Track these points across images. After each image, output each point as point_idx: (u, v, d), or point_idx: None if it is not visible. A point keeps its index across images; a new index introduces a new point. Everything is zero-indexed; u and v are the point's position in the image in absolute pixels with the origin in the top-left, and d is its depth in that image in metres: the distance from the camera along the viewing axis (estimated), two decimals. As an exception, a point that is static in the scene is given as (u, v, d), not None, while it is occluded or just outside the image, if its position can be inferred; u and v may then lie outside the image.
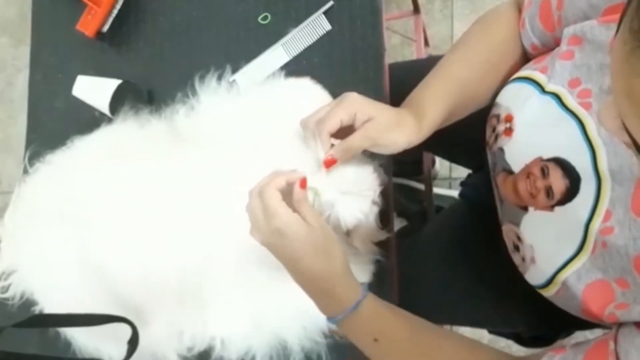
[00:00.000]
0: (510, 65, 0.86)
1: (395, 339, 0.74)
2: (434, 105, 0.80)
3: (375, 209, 0.79)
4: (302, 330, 0.80)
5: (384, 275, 0.87)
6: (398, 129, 0.75)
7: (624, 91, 0.44)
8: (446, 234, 1.09)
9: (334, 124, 0.73)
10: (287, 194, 0.69)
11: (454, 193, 1.66)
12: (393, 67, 1.01)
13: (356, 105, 0.74)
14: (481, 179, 1.02)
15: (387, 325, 0.73)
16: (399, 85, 0.99)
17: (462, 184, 1.19)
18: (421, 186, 1.56)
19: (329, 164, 0.75)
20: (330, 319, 0.73)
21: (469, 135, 0.96)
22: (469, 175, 1.21)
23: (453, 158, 1.29)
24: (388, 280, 0.88)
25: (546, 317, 0.92)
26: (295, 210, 0.68)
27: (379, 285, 0.86)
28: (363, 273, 0.84)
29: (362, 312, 0.71)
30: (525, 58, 0.86)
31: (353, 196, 0.74)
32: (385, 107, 0.77)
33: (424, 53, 1.63)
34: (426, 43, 1.73)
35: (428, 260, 1.06)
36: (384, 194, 0.81)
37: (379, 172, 0.79)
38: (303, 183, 0.70)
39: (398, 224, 1.47)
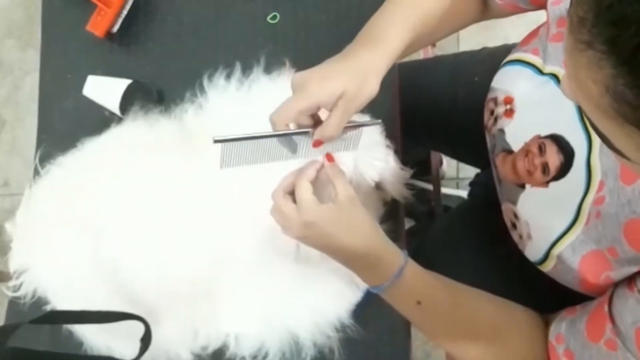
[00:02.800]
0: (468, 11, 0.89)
1: (437, 301, 0.75)
2: (398, 39, 0.75)
3: (391, 152, 0.79)
4: (314, 325, 0.80)
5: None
6: (367, 82, 0.70)
7: (572, 76, 0.45)
8: (455, 233, 1.09)
9: (288, 116, 0.69)
10: (320, 183, 0.72)
11: (462, 193, 1.66)
12: (402, 66, 1.02)
13: (314, 93, 0.68)
14: (490, 177, 1.03)
15: (429, 288, 0.75)
16: (408, 84, 1.00)
17: (471, 184, 1.19)
18: (429, 186, 1.56)
19: (317, 144, 0.72)
20: (374, 287, 0.74)
21: (476, 133, 0.96)
22: (477, 175, 1.22)
23: (460, 156, 1.29)
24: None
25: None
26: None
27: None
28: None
29: (405, 277, 0.72)
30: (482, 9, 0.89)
31: (365, 150, 0.75)
32: (340, 69, 0.70)
33: (430, 53, 1.63)
34: (432, 44, 1.73)
35: (437, 259, 1.06)
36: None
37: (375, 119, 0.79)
38: (330, 157, 0.73)
39: (406, 223, 1.47)
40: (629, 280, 0.67)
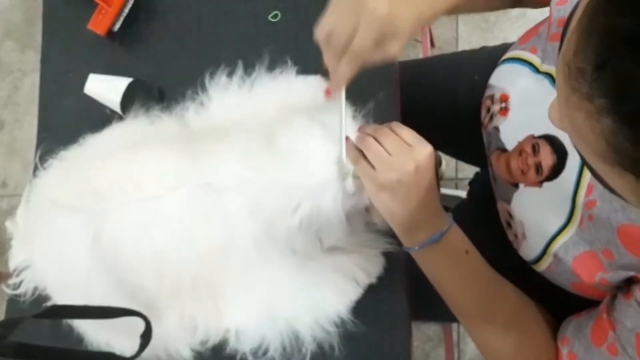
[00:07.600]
0: None
1: (476, 255, 0.78)
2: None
3: None
4: (314, 321, 0.80)
5: (394, 270, 0.87)
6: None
7: (567, 117, 0.44)
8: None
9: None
10: None
11: (461, 193, 1.66)
12: (402, 65, 1.02)
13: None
14: (489, 176, 1.03)
15: (469, 242, 0.78)
16: (408, 83, 1.00)
17: (471, 183, 1.19)
18: (428, 186, 1.55)
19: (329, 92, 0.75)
20: (435, 234, 0.74)
21: (475, 132, 0.96)
22: (476, 174, 1.22)
23: (460, 155, 1.29)
24: (397, 275, 0.88)
25: (558, 317, 0.93)
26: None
27: (388, 279, 0.86)
28: (374, 266, 0.84)
29: (456, 228, 0.76)
30: None
31: None
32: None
33: (430, 54, 1.64)
34: (432, 44, 1.74)
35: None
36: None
37: None
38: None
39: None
40: (627, 289, 0.67)
